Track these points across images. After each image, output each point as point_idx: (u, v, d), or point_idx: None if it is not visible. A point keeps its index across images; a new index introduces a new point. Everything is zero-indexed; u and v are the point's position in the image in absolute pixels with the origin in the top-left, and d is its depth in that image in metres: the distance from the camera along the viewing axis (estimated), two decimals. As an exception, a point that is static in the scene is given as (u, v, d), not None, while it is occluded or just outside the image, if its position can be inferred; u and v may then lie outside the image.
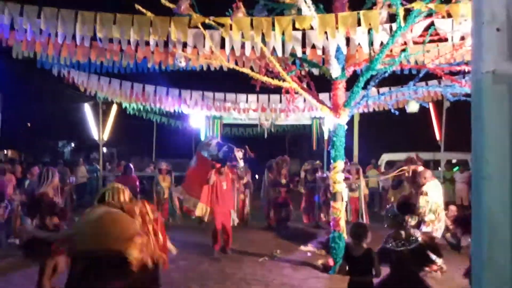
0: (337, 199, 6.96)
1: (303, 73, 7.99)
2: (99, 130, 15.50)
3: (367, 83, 6.97)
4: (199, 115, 14.40)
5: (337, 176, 6.94)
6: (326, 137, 14.88)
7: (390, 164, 16.67)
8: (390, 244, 4.43)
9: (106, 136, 15.75)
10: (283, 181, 11.04)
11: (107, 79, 10.64)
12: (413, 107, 7.47)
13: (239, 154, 8.87)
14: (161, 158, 25.98)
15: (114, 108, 15.67)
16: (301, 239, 9.33)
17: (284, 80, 6.66)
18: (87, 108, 16.06)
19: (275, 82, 6.59)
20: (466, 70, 6.41)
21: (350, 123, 16.27)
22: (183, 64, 6.88)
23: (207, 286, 6.22)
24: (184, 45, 6.41)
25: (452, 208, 8.90)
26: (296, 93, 7.78)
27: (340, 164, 6.99)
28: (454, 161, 17.24)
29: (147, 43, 6.75)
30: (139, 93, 10.69)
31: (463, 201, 14.30)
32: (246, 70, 6.96)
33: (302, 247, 8.68)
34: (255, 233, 10.22)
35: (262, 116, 14.72)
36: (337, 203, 6.95)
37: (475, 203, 3.16)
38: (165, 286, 6.17)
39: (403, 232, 4.46)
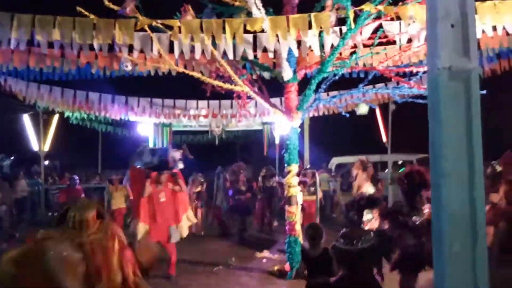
0: (292, 203, 6.89)
1: (254, 77, 7.90)
2: (40, 142, 14.72)
3: (318, 86, 6.98)
4: (147, 122, 14.01)
5: (292, 180, 6.87)
6: (277, 142, 14.91)
7: (340, 167, 16.96)
8: (342, 244, 4.40)
9: (47, 147, 14.96)
10: (243, 188, 10.86)
11: (48, 87, 10.06)
12: (363, 109, 7.56)
13: (176, 154, 7.50)
14: (108, 169, 25.17)
15: (55, 118, 14.92)
16: (256, 246, 9.20)
17: (235, 84, 6.52)
18: (26, 119, 15.18)
19: (226, 86, 6.45)
20: (414, 71, 6.54)
21: (301, 127, 16.43)
22: (129, 68, 6.58)
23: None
24: (130, 49, 6.14)
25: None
26: (248, 97, 7.67)
27: (294, 167, 6.93)
28: (400, 162, 17.78)
29: (91, 47, 6.43)
30: (83, 101, 10.19)
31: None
32: (196, 74, 6.77)
33: (258, 254, 8.54)
34: (209, 243, 9.97)
35: (213, 123, 14.53)
36: (292, 207, 6.88)
37: (435, 200, 3.15)
38: None
39: (357, 232, 4.44)
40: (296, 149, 6.98)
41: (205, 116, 11.44)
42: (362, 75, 8.59)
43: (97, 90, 10.63)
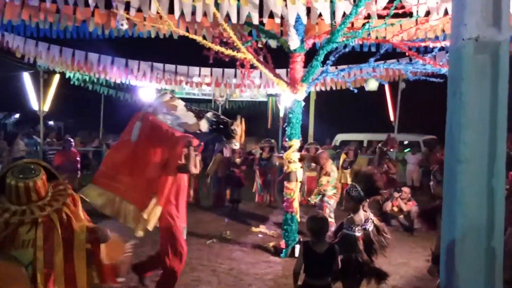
0: (291, 179, 6.58)
1: (260, 45, 7.48)
2: (40, 102, 14.41)
3: (326, 58, 6.58)
4: (149, 88, 13.66)
5: (292, 155, 6.55)
6: (281, 115, 14.55)
7: (345, 144, 16.59)
8: (352, 230, 4.14)
9: (47, 107, 14.65)
10: (237, 160, 10.53)
11: (46, 45, 9.70)
12: (372, 85, 7.16)
13: (238, 129, 5.21)
14: (110, 133, 24.97)
15: (56, 78, 14.56)
16: (253, 220, 9.00)
17: (238, 51, 6.12)
18: (26, 77, 14.83)
19: (228, 52, 6.04)
20: (431, 46, 6.10)
21: (307, 101, 16.01)
22: (125, 27, 6.17)
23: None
24: (127, 6, 5.73)
25: (406, 189, 8.82)
26: (252, 66, 7.26)
27: (296, 142, 6.60)
28: (406, 142, 17.43)
29: (86, 3, 6.04)
30: (82, 61, 9.83)
31: (414, 182, 14.47)
32: (198, 38, 6.35)
33: (253, 229, 8.32)
34: (204, 213, 9.74)
35: (217, 92, 14.18)
36: (291, 183, 6.57)
37: (448, 188, 2.82)
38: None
39: (361, 215, 4.19)
40: (298, 124, 6.64)
41: (208, 84, 11.05)
42: (373, 49, 8.18)
43: (97, 51, 10.25)
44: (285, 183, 6.67)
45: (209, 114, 5.09)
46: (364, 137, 18.54)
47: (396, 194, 8.80)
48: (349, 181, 10.84)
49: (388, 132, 15.52)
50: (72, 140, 10.27)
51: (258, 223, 8.79)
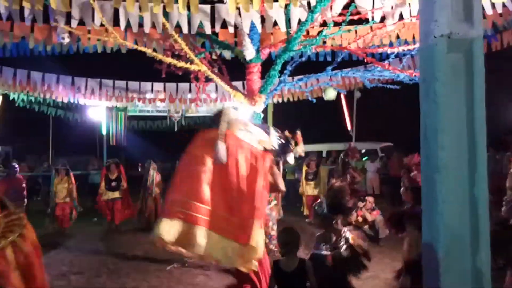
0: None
1: (214, 57, 7.21)
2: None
3: (283, 69, 6.38)
4: (100, 106, 13.06)
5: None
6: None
7: (305, 156, 16.45)
8: (323, 250, 3.84)
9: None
10: None
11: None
12: (330, 94, 7.03)
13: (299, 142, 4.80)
14: (61, 156, 23.82)
15: (-1, 100, 13.65)
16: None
17: (192, 63, 5.80)
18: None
19: (181, 64, 5.72)
20: (388, 52, 6.01)
21: (264, 113, 15.85)
22: (67, 41, 5.73)
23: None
24: (68, 19, 5.31)
25: (369, 199, 8.70)
26: (207, 79, 6.96)
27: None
28: (363, 151, 17.55)
29: (22, 18, 5.55)
30: (24, 81, 9.18)
31: (374, 190, 14.49)
32: (147, 51, 6.00)
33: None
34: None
35: (172, 108, 13.74)
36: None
37: (427, 199, 2.58)
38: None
39: (333, 234, 3.88)
40: (258, 137, 6.36)
41: (162, 100, 10.63)
42: (330, 59, 8.08)
43: (42, 69, 9.63)
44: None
45: (273, 129, 4.51)
46: (323, 147, 18.57)
47: (360, 204, 8.65)
48: (314, 192, 10.66)
49: (346, 141, 15.61)
50: (16, 166, 9.50)
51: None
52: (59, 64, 10.64)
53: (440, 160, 2.32)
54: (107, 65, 12.32)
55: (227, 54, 7.31)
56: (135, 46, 5.73)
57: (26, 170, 15.31)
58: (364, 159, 15.99)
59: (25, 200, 9.26)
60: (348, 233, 3.96)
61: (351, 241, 3.94)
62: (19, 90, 9.88)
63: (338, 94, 14.47)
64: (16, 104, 13.89)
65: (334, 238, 3.87)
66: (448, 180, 2.32)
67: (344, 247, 3.86)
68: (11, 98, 12.71)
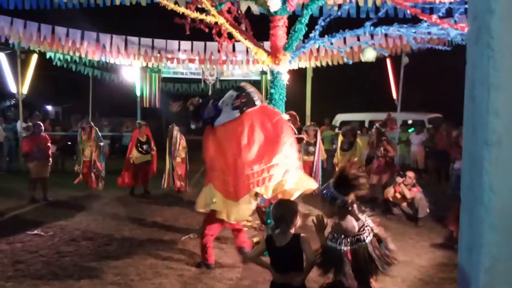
0: (274, 165, 5.65)
1: (240, 12, 6.51)
2: (18, 84, 13.46)
3: (313, 24, 5.60)
4: (133, 67, 12.71)
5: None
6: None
7: (345, 125, 15.62)
8: (336, 241, 3.21)
9: (25, 90, 13.71)
10: None
11: (9, 19, 8.73)
12: (369, 55, 6.17)
13: None
14: (104, 117, 24.05)
15: (34, 58, 13.57)
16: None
17: (208, 14, 5.14)
18: (2, 58, 13.85)
19: (195, 15, 5.07)
20: (437, 2, 5.06)
21: (303, 79, 15.01)
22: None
23: (99, 278, 4.81)
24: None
25: (410, 174, 7.86)
26: (231, 37, 6.27)
27: (279, 122, 5.65)
28: (409, 121, 16.46)
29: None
30: (48, 35, 8.85)
31: (418, 164, 13.55)
32: (166, 2, 5.37)
33: (239, 220, 7.41)
34: (189, 203, 8.86)
35: (206, 71, 13.19)
36: (274, 170, 5.65)
37: (469, 184, 1.86)
38: (48, 276, 4.83)
39: (351, 221, 3.20)
40: (282, 100, 5.68)
41: (191, 61, 10.05)
42: (371, 15, 7.18)
43: (66, 25, 9.24)
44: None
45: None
46: (365, 116, 17.58)
47: (399, 179, 7.86)
48: (348, 163, 9.92)
49: (391, 111, 14.55)
50: (41, 124, 9.34)
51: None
52: (87, 22, 10.25)
53: (492, 131, 1.60)
54: (133, 23, 11.82)
55: (254, 8, 6.58)
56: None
57: (59, 130, 15.37)
58: (409, 130, 14.94)
59: (50, 159, 9.10)
60: (369, 221, 3.29)
61: (376, 230, 3.28)
62: (47, 47, 9.58)
63: (384, 59, 13.47)
64: (54, 63, 13.81)
65: (356, 229, 3.19)
66: (501, 160, 1.60)
67: (369, 238, 3.19)
68: (47, 56, 12.59)
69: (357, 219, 3.19)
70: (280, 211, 3.11)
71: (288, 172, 4.62)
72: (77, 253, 5.61)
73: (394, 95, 14.34)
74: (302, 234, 3.10)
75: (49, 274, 4.86)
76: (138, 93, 13.76)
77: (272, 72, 5.59)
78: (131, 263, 5.25)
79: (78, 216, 7.69)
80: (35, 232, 6.52)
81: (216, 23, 5.32)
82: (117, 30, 9.52)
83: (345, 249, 3.14)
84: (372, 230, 3.22)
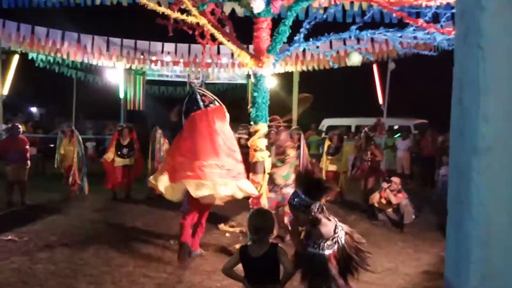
0: (257, 170, 5.52)
1: (224, 14, 6.36)
2: (-2, 84, 13.12)
3: (298, 27, 5.48)
4: (117, 69, 12.49)
5: (259, 142, 5.48)
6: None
7: (332, 130, 15.57)
8: (318, 247, 3.10)
9: (6, 91, 13.35)
10: None
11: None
12: (354, 59, 6.08)
13: None
14: (88, 119, 23.69)
15: (15, 59, 13.25)
16: (226, 215, 7.82)
17: (188, 14, 4.98)
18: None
19: (176, 15, 4.91)
20: (423, 5, 4.98)
21: (289, 83, 14.90)
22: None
23: (71, 287, 4.60)
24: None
25: (395, 180, 7.79)
26: (215, 40, 6.12)
27: (262, 126, 5.53)
28: (395, 127, 16.47)
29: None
30: (27, 35, 8.60)
31: (404, 169, 13.52)
32: (148, 3, 5.20)
33: (222, 226, 7.26)
34: (171, 207, 8.65)
35: (192, 74, 13.03)
36: (257, 175, 5.51)
37: (456, 195, 1.73)
38: (17, 284, 4.61)
39: (328, 224, 3.13)
40: (265, 104, 5.56)
41: (175, 63, 9.88)
42: (358, 20, 7.09)
43: (46, 25, 9.00)
44: (251, 175, 5.60)
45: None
46: (352, 121, 17.58)
47: (384, 185, 7.78)
48: (334, 168, 9.83)
49: (378, 116, 14.52)
50: (19, 126, 9.08)
51: (230, 218, 7.72)
52: (68, 22, 10.02)
53: (481, 138, 1.48)
54: (115, 24, 11.59)
55: (239, 10, 6.45)
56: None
57: (41, 132, 15.05)
58: (396, 136, 14.94)
59: (28, 162, 8.83)
60: (337, 220, 3.24)
61: (345, 228, 3.25)
62: (27, 47, 9.32)
63: (370, 64, 13.45)
64: (36, 64, 13.51)
65: (332, 231, 3.12)
66: (491, 170, 1.47)
67: (343, 238, 3.14)
68: (29, 57, 12.30)
69: (329, 220, 3.14)
70: (261, 220, 2.96)
71: (221, 177, 5.01)
72: (51, 260, 5.39)
73: (381, 101, 14.33)
74: (279, 244, 2.97)
75: (18, 282, 4.65)
76: (121, 96, 13.52)
77: (255, 75, 5.46)
78: (107, 271, 5.05)
79: (55, 221, 7.45)
80: (9, 237, 6.27)
81: (198, 24, 5.15)
82: (98, 31, 9.27)
83: (328, 253, 3.06)
84: (342, 229, 3.19)
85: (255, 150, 5.49)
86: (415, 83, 18.83)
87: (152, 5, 4.87)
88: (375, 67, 14.05)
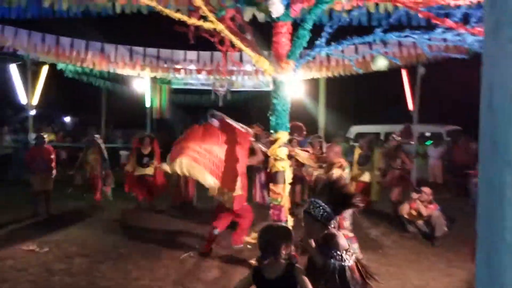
0: (278, 180, 5.30)
1: (243, 19, 6.20)
2: (28, 95, 13.39)
3: (319, 31, 5.26)
4: (144, 77, 12.53)
5: (279, 151, 5.26)
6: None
7: (361, 137, 15.18)
8: (341, 258, 2.84)
9: (35, 101, 13.61)
10: None
11: (13, 29, 8.59)
12: (380, 63, 5.80)
13: None
14: (119, 128, 24.05)
15: (44, 70, 13.49)
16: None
17: (205, 20, 4.84)
18: (13, 70, 13.82)
19: (192, 21, 4.78)
20: (452, 4, 4.67)
21: (315, 90, 14.62)
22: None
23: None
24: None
25: (426, 190, 7.40)
26: (234, 46, 5.95)
27: (283, 135, 5.31)
28: (427, 134, 15.93)
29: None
30: (52, 46, 8.68)
31: (436, 179, 13.00)
32: (167, 11, 5.09)
33: (245, 237, 7.05)
34: (195, 217, 8.53)
35: (217, 82, 12.94)
36: (277, 186, 5.29)
37: (486, 212, 1.50)
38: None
39: (342, 236, 2.89)
40: (286, 111, 5.34)
41: (199, 71, 9.79)
42: (383, 23, 6.81)
43: (71, 34, 9.06)
44: (271, 186, 5.39)
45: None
46: (381, 129, 17.10)
47: (414, 195, 7.41)
48: (365, 178, 9.41)
49: (407, 123, 14.05)
50: (44, 136, 9.17)
51: (253, 229, 7.49)
52: (93, 32, 10.09)
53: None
54: (138, 32, 11.63)
55: (260, 15, 6.28)
56: (152, 4, 4.85)
57: (69, 141, 15.26)
58: (427, 143, 14.44)
59: (54, 171, 8.86)
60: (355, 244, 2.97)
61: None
62: (53, 58, 9.42)
63: (399, 70, 13.03)
64: (65, 75, 13.74)
65: (346, 243, 2.87)
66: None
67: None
68: (58, 68, 12.51)
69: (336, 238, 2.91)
70: (266, 237, 2.71)
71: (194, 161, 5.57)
72: (68, 272, 5.32)
73: (411, 107, 13.86)
74: (296, 264, 2.73)
75: (32, 295, 4.58)
76: (148, 105, 13.56)
77: (274, 81, 5.26)
78: (122, 284, 4.94)
79: (77, 231, 7.42)
80: (30, 248, 6.26)
81: (215, 30, 5.00)
82: (122, 40, 9.28)
83: (351, 264, 2.81)
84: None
85: (276, 160, 5.28)
86: (447, 88, 18.21)
87: (168, 12, 4.75)
88: (404, 72, 13.60)
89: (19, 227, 7.61)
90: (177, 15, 4.73)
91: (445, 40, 5.21)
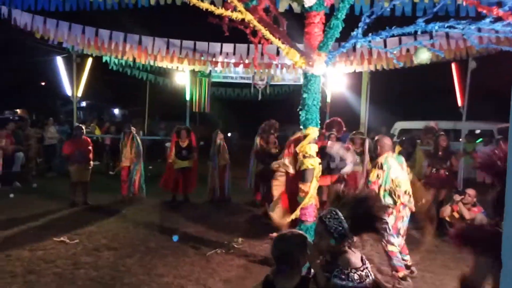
0: (306, 179, 5.05)
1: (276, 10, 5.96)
2: (73, 87, 13.74)
3: (355, 21, 4.94)
4: (185, 71, 12.56)
5: (308, 147, 5.01)
6: (328, 100, 12.85)
7: (405, 133, 14.59)
8: (348, 278, 2.52)
9: (80, 93, 13.95)
10: (273, 150, 8.89)
11: (55, 21, 8.74)
12: (422, 56, 5.36)
13: None
14: (164, 120, 24.42)
15: (89, 62, 13.80)
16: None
17: (233, 10, 4.64)
18: (59, 62, 14.24)
19: (220, 11, 4.59)
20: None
21: (358, 84, 14.13)
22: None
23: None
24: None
25: (470, 192, 6.91)
26: (266, 38, 5.71)
27: (313, 131, 5.05)
28: (477, 131, 15.08)
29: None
30: (91, 38, 8.76)
31: (484, 178, 12.24)
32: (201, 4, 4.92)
33: (273, 235, 6.84)
34: (229, 213, 8.43)
35: (256, 75, 12.76)
36: (305, 184, 5.04)
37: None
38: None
39: (355, 253, 2.56)
40: (316, 106, 5.07)
41: (236, 64, 9.62)
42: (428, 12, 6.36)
43: (109, 27, 9.11)
44: (299, 184, 5.14)
45: None
46: (426, 125, 16.34)
47: (457, 197, 6.94)
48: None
49: (457, 119, 13.32)
50: (83, 127, 9.30)
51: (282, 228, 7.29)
52: (131, 24, 10.12)
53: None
54: (176, 25, 11.58)
55: (295, 6, 6.01)
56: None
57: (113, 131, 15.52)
58: (477, 141, 13.66)
59: (91, 163, 8.98)
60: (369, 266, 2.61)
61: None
62: (94, 50, 9.54)
63: (449, 63, 12.34)
64: (110, 67, 13.99)
65: (360, 261, 2.54)
66: None
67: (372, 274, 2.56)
68: (103, 60, 12.74)
69: (354, 252, 2.57)
70: (280, 247, 2.45)
71: None
72: (94, 265, 5.32)
73: (460, 102, 13.12)
74: (310, 277, 2.48)
75: (56, 288, 4.59)
76: (187, 98, 13.59)
77: (305, 74, 5.00)
78: (145, 281, 4.87)
79: (110, 223, 7.47)
80: (61, 239, 6.33)
81: (244, 20, 4.80)
82: (160, 32, 9.25)
83: (358, 285, 2.49)
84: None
85: (304, 156, 5.03)
86: (499, 83, 17.15)
87: (195, 1, 4.59)
88: (454, 66, 12.88)
89: (55, 218, 7.75)
90: (204, 5, 4.55)
91: (496, 31, 4.75)
